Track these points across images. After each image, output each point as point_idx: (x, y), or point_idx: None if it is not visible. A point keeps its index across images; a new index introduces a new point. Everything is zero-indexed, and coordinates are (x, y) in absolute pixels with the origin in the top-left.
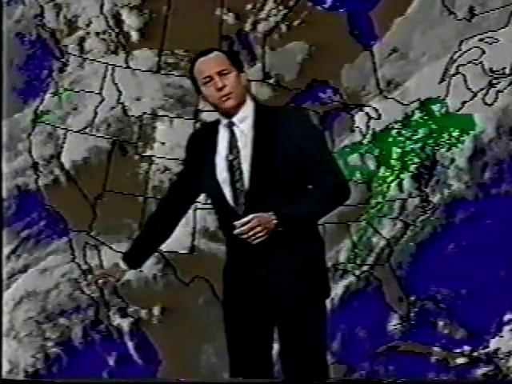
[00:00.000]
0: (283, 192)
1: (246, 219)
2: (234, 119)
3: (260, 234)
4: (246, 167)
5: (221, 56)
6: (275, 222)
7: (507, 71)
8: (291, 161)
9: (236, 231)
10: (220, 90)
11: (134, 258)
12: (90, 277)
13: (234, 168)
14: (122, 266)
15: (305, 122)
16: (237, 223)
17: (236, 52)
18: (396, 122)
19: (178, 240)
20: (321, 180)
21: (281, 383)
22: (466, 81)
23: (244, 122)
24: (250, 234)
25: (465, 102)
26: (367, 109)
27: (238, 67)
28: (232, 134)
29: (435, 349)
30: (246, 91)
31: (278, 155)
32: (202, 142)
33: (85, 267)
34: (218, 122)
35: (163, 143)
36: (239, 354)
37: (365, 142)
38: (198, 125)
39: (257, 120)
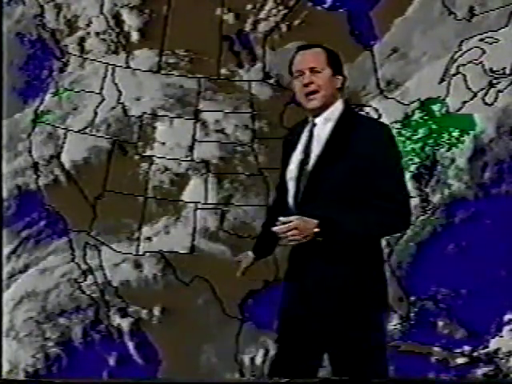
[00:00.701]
0: (339, 201)
1: (287, 219)
2: (317, 120)
3: (295, 238)
4: (309, 168)
5: (320, 53)
6: (316, 230)
7: (507, 71)
8: (358, 172)
9: (274, 228)
10: (306, 85)
11: (259, 250)
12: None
13: (302, 168)
14: (250, 254)
15: (385, 138)
16: (280, 219)
17: (336, 54)
18: (396, 122)
19: (178, 240)
20: (385, 203)
21: (283, 383)
22: (466, 81)
23: (326, 124)
24: (287, 234)
25: (465, 102)
26: (367, 109)
27: (334, 69)
28: (311, 134)
29: (435, 349)
30: (339, 94)
31: (345, 164)
32: (292, 137)
33: (85, 267)
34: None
35: (163, 143)
36: (285, 359)
37: None
38: (198, 125)
39: (337, 125)
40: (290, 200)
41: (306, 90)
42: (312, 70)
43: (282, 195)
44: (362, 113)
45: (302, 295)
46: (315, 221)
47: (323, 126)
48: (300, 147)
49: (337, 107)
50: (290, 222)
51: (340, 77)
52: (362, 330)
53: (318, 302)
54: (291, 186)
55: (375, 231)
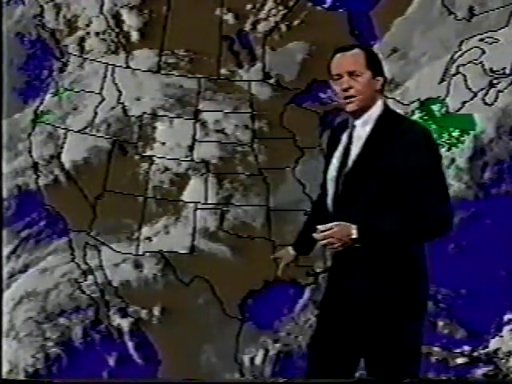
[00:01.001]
0: (377, 205)
1: (326, 226)
2: (357, 122)
3: (334, 246)
4: (347, 171)
5: (359, 55)
6: (354, 236)
7: (507, 71)
8: (397, 176)
9: (314, 234)
10: (345, 90)
11: (301, 247)
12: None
13: (341, 170)
14: (291, 252)
15: (424, 141)
16: (318, 227)
17: (376, 55)
18: None
19: (178, 240)
20: (425, 208)
21: (281, 383)
22: (466, 81)
23: (365, 126)
24: (325, 242)
25: (465, 102)
26: None
27: (374, 70)
28: (351, 136)
29: (435, 349)
30: (379, 95)
31: (383, 167)
32: (334, 137)
33: (85, 267)
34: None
35: (163, 143)
36: (321, 361)
37: None
38: (197, 125)
39: (376, 127)
40: (329, 202)
41: (346, 94)
42: (351, 74)
43: (323, 195)
44: (401, 113)
45: (342, 300)
46: (354, 226)
47: (362, 128)
48: (340, 148)
49: (376, 108)
50: (329, 229)
51: (380, 78)
52: (400, 336)
53: (357, 308)
54: (330, 188)
55: (415, 236)
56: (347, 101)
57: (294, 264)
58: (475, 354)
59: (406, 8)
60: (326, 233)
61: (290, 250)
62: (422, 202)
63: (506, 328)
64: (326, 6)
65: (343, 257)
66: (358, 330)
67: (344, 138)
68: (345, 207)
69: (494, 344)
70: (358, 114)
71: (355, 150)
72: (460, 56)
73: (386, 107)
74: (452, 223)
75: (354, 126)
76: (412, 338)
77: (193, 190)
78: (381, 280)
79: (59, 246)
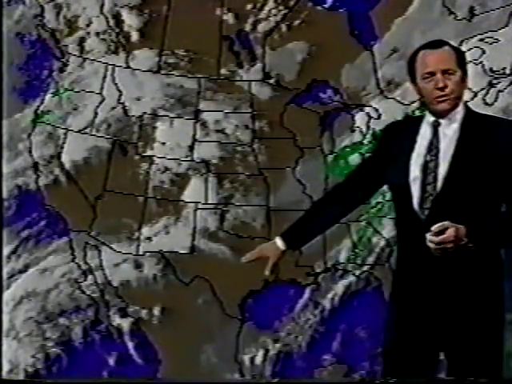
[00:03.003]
0: (479, 205)
1: (442, 228)
2: (442, 120)
3: (448, 248)
4: (442, 171)
5: (450, 53)
6: (465, 239)
7: (507, 71)
8: (492, 174)
9: (429, 237)
10: (440, 89)
11: (294, 238)
12: (246, 256)
13: (428, 169)
14: (280, 244)
15: None
16: (433, 229)
17: (464, 53)
18: None
19: (177, 240)
20: None
21: (276, 383)
22: None
23: (451, 124)
24: (441, 246)
25: (465, 103)
26: (367, 109)
27: (464, 69)
28: (435, 134)
29: None
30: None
31: (480, 165)
32: (399, 134)
33: (85, 267)
34: (422, 117)
35: (163, 143)
36: (401, 358)
37: (365, 141)
38: (198, 125)
39: (464, 125)
40: (415, 203)
41: (440, 93)
42: (444, 72)
43: (357, 183)
44: (484, 113)
45: (428, 297)
46: (463, 227)
47: (449, 127)
48: (421, 146)
49: (460, 107)
50: (444, 231)
51: (466, 77)
52: (482, 337)
53: (443, 306)
54: (415, 189)
55: None
56: (440, 99)
57: (294, 264)
58: None
59: (406, 8)
60: (445, 235)
61: (279, 243)
62: None
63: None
64: (326, 5)
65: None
66: (440, 331)
67: (423, 135)
68: (443, 210)
69: None
70: (445, 113)
71: (447, 150)
72: None
73: (466, 106)
74: None
75: (437, 123)
76: (494, 338)
77: (193, 190)
78: (464, 279)
79: (59, 246)
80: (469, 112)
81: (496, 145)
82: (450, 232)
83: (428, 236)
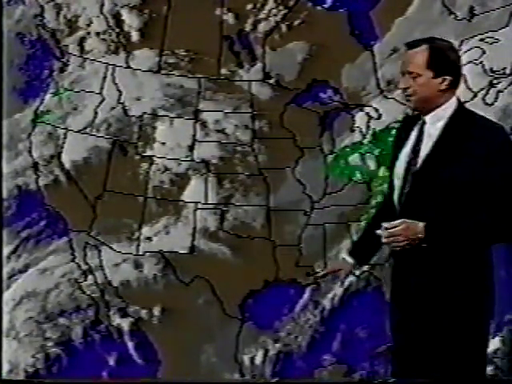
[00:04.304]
0: (448, 204)
1: (392, 223)
2: (426, 118)
3: (400, 244)
4: (416, 169)
5: (421, 54)
6: (421, 235)
7: (507, 71)
8: (470, 175)
9: (378, 231)
10: (403, 89)
11: (361, 253)
12: (319, 275)
13: (410, 167)
14: (349, 260)
15: (503, 140)
16: (383, 224)
17: (441, 54)
18: (396, 122)
19: (177, 240)
20: (500, 209)
21: (274, 383)
22: (466, 81)
23: (436, 123)
24: (390, 240)
25: (465, 102)
26: (367, 109)
27: (436, 70)
28: (420, 133)
29: None
30: (448, 93)
31: (457, 165)
32: (401, 133)
33: (85, 267)
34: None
35: (163, 143)
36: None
37: (365, 141)
38: (198, 125)
39: (448, 124)
40: (395, 199)
41: (404, 92)
42: (410, 73)
43: (390, 192)
44: (479, 113)
45: (408, 303)
46: (421, 224)
47: (433, 125)
48: (409, 145)
49: (449, 106)
50: (395, 227)
51: (447, 77)
52: (466, 338)
53: (423, 309)
54: (397, 185)
55: (486, 238)
56: (406, 98)
57: (294, 264)
58: None
59: (406, 8)
60: (391, 230)
61: (348, 258)
62: (498, 204)
63: (506, 328)
64: (326, 5)
65: (407, 254)
66: (426, 329)
67: (413, 133)
68: (412, 206)
69: (493, 344)
70: (426, 110)
71: (425, 149)
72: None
73: (460, 106)
74: None
75: (424, 122)
76: (476, 339)
77: (193, 190)
78: (448, 278)
79: (59, 246)
80: (458, 111)
81: (473, 148)
82: (398, 229)
83: (377, 231)
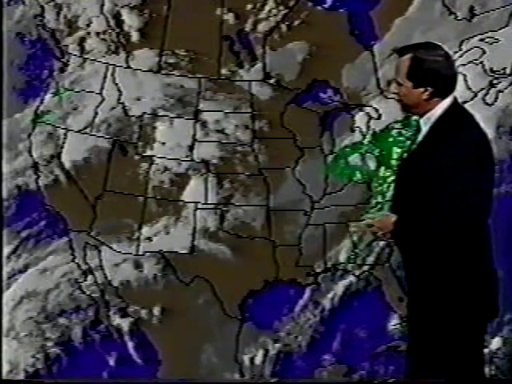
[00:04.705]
0: (413, 202)
1: (376, 215)
2: (421, 120)
3: (379, 235)
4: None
5: (404, 64)
6: (391, 228)
7: (507, 71)
8: (434, 175)
9: (351, 228)
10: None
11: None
12: (357, 224)
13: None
14: (393, 216)
15: (469, 145)
16: (366, 216)
17: (422, 65)
18: (396, 122)
19: (177, 240)
20: (444, 211)
21: (273, 383)
22: (466, 81)
23: (426, 125)
24: (371, 229)
25: (465, 102)
26: (367, 109)
27: (415, 82)
28: (417, 133)
29: None
30: (433, 100)
31: (427, 164)
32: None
33: (85, 267)
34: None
35: (163, 143)
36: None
37: (365, 141)
38: (198, 125)
39: (434, 127)
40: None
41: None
42: (397, 81)
43: None
44: (470, 114)
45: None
46: (393, 219)
47: (425, 126)
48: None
49: (439, 108)
50: (374, 218)
51: (428, 88)
52: (462, 335)
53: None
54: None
55: (432, 238)
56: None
57: (294, 264)
58: None
59: (406, 8)
60: (369, 221)
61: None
62: (443, 207)
63: (506, 328)
64: (326, 5)
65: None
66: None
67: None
68: (397, 196)
69: (493, 344)
70: (416, 114)
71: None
72: (460, 56)
73: (449, 109)
74: (473, 225)
75: (418, 124)
76: (473, 337)
77: (193, 190)
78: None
79: (59, 246)
80: (446, 115)
81: (444, 148)
82: (376, 221)
83: (350, 228)
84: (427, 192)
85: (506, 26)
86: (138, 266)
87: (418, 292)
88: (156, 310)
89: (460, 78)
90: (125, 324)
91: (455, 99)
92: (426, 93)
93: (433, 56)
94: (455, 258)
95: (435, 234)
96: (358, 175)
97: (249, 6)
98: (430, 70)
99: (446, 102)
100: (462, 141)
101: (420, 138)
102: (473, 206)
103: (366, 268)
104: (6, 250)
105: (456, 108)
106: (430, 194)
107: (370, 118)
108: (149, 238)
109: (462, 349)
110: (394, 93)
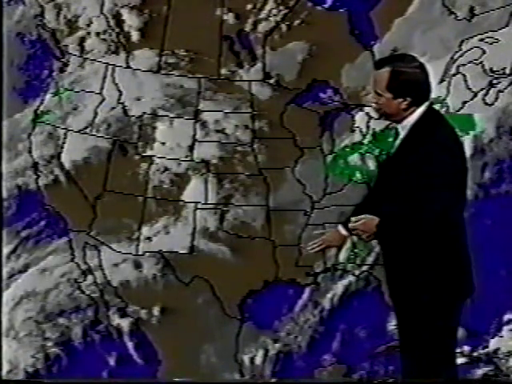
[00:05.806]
0: (394, 202)
1: (357, 217)
2: (399, 126)
3: (362, 237)
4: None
5: (383, 76)
6: (375, 230)
7: (507, 71)
8: (409, 176)
9: (314, 232)
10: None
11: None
12: (312, 247)
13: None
14: (343, 232)
15: (442, 148)
16: (351, 218)
17: (401, 77)
18: None
19: (177, 240)
20: (415, 212)
21: (273, 383)
22: (466, 81)
23: (403, 131)
24: (354, 232)
25: (465, 102)
26: (367, 109)
27: (395, 93)
28: (396, 138)
29: None
30: (411, 109)
31: (403, 167)
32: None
33: (84, 267)
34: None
35: (163, 143)
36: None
37: (365, 141)
38: (197, 125)
39: (410, 133)
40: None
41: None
42: (375, 92)
43: None
44: (444, 118)
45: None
46: (376, 221)
47: (402, 133)
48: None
49: (414, 116)
50: (358, 221)
51: (407, 98)
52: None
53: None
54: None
55: (412, 234)
56: (375, 111)
57: (294, 264)
58: (475, 354)
59: (406, 8)
60: (353, 224)
61: (343, 231)
62: (415, 206)
63: (506, 328)
64: (326, 5)
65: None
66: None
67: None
68: (375, 201)
69: (494, 344)
70: (394, 121)
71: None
72: (460, 56)
73: (424, 115)
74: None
75: (397, 131)
76: (447, 318)
77: (193, 190)
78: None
79: (59, 246)
80: (422, 121)
81: (419, 151)
82: (358, 224)
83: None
84: (404, 192)
85: (506, 26)
86: (137, 265)
87: (399, 287)
88: (156, 310)
89: (460, 77)
90: (124, 324)
91: (430, 104)
92: (405, 102)
93: (410, 68)
94: (431, 249)
95: (414, 230)
96: (358, 175)
97: (249, 6)
98: (409, 82)
99: (421, 109)
100: (436, 143)
101: (398, 142)
102: (442, 199)
103: (365, 268)
104: (6, 250)
105: (431, 113)
106: (407, 195)
107: (370, 118)
108: (148, 238)
109: (438, 329)
110: (374, 102)
